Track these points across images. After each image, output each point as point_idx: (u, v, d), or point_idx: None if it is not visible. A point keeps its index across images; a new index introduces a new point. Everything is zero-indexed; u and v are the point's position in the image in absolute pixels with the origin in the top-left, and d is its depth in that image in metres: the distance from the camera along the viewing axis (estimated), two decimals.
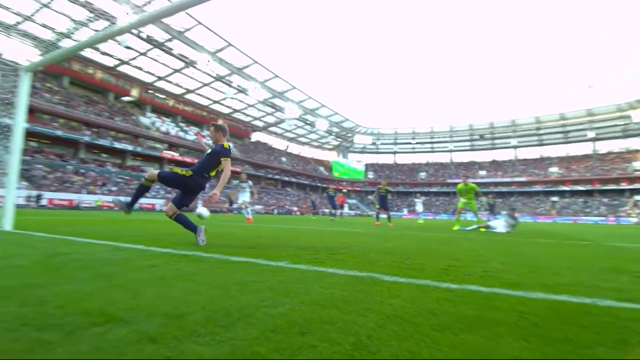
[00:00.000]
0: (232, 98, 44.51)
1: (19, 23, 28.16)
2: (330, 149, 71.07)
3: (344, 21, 70.65)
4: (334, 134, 63.52)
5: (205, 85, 41.59)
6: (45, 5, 26.38)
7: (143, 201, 31.10)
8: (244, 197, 9.98)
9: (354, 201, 60.51)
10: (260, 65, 39.53)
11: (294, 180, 57.66)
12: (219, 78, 40.01)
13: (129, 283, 1.71)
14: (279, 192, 53.71)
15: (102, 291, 1.54)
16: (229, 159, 3.60)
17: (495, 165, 62.55)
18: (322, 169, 66.09)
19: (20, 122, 4.21)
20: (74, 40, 28.41)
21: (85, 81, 35.36)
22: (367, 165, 70.24)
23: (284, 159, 58.87)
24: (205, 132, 46.94)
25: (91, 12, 27.15)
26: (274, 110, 49.81)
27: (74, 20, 28.28)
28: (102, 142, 32.78)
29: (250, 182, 10.35)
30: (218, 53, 36.14)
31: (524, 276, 2.26)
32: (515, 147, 62.08)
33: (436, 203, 58.32)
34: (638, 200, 43.94)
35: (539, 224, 20.42)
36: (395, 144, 71.18)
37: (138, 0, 27.29)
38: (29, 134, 24.55)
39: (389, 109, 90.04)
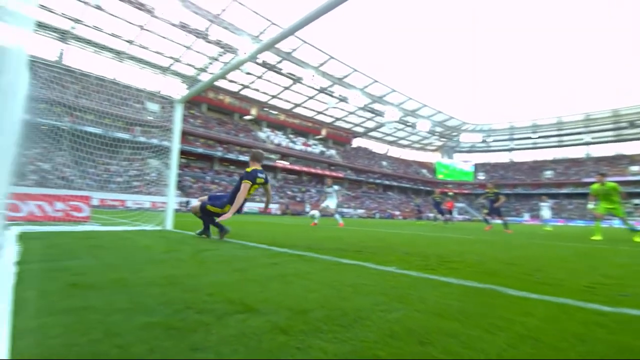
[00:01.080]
0: (334, 107, 46.33)
1: (171, 65, 35.20)
2: (433, 150, 66.96)
3: (439, 14, 65.96)
4: (437, 134, 59.66)
5: (309, 98, 44.35)
6: (188, 48, 32.30)
7: (262, 206, 34.79)
8: (330, 202, 9.46)
9: (462, 205, 55.46)
10: (359, 73, 40.13)
11: (395, 184, 56.30)
12: (321, 90, 42.15)
13: (258, 277, 1.93)
14: (380, 196, 53.12)
15: (239, 283, 1.78)
16: (247, 182, 3.72)
17: None
18: (424, 171, 62.77)
19: (176, 144, 5.25)
20: (210, 73, 33.88)
21: (217, 106, 41.92)
22: (476, 165, 63.56)
23: (384, 163, 58.09)
24: (311, 141, 50.04)
25: (221, 47, 32.02)
26: (373, 115, 49.76)
27: (208, 57, 33.83)
28: (230, 156, 38.24)
29: (335, 187, 9.74)
30: (321, 67, 38.15)
31: None
32: None
33: (568, 207, 48.79)
34: None
35: None
36: (511, 139, 62.53)
37: (254, 30, 30.96)
38: (180, 153, 30.36)
39: (502, 102, 79.46)
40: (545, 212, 15.32)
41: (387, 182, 55.10)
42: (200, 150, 35.37)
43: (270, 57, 35.37)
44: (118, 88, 7.91)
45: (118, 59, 32.92)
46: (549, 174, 56.17)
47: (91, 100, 7.55)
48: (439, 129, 58.27)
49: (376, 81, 42.29)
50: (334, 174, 47.55)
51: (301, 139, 48.87)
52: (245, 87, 41.07)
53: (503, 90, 76.11)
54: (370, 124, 54.17)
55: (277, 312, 1.31)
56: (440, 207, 15.72)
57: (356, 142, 58.55)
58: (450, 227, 12.99)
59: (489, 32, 67.56)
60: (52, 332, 1.04)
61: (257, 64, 35.55)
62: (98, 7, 26.09)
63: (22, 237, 3.30)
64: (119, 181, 10.97)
